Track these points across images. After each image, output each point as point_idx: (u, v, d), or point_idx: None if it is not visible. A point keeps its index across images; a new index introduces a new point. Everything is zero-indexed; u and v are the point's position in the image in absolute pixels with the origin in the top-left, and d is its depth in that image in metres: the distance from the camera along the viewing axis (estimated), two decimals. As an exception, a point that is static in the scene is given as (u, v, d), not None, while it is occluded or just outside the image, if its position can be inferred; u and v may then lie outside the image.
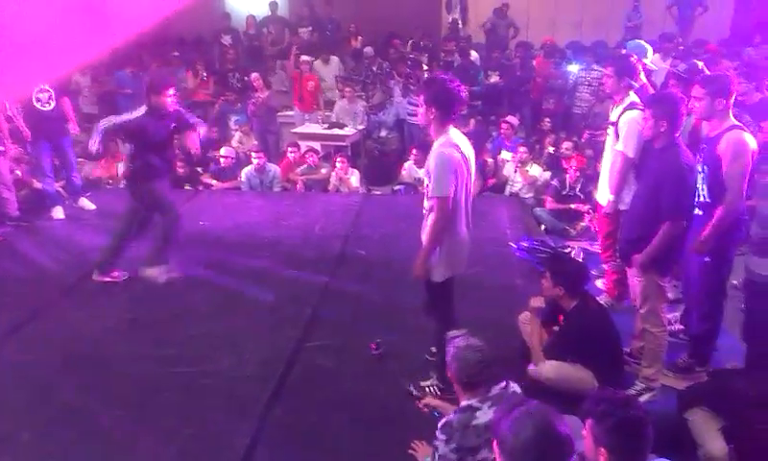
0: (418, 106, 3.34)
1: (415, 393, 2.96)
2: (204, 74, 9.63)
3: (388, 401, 3.49)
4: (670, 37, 8.72)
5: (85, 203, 6.52)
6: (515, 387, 2.70)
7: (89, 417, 3.37)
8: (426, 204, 3.27)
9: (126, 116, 4.56)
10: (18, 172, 6.73)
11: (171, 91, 4.53)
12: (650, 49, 5.04)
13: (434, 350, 3.60)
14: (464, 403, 2.64)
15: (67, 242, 5.69)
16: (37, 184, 6.59)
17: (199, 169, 7.91)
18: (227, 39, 10.99)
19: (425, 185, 3.29)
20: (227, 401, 3.50)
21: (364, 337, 4.10)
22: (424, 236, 3.29)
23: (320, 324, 4.33)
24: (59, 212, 6.26)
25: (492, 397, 2.61)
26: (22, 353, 3.98)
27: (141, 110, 4.51)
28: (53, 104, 6.06)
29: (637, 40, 5.61)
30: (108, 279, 4.86)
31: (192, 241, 5.73)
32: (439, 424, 2.65)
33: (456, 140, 3.19)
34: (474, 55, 9.65)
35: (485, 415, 2.53)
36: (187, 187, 7.57)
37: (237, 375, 3.71)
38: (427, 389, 3.50)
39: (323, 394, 3.58)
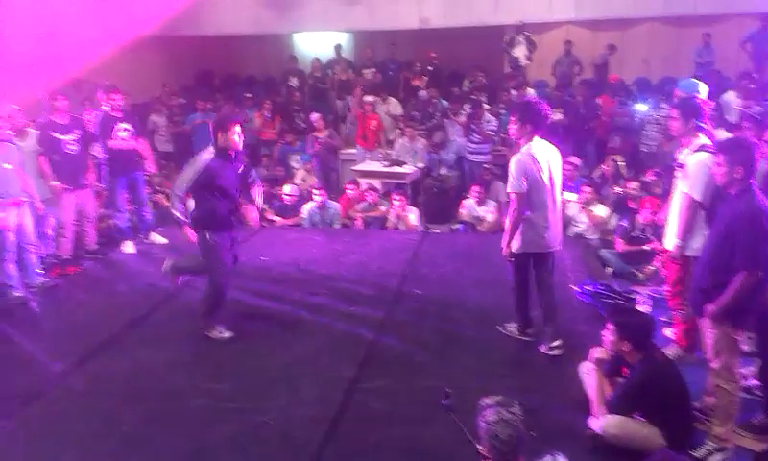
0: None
1: (481, 449, 2.78)
2: (268, 114, 9.99)
3: (445, 450, 3.38)
4: (748, 75, 8.40)
5: (157, 237, 6.82)
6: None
7: (149, 450, 3.47)
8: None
9: (193, 169, 4.32)
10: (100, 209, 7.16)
11: (238, 128, 4.32)
12: (704, 86, 4.87)
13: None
14: None
15: (138, 276, 5.96)
16: (109, 219, 6.96)
17: (264, 206, 8.15)
18: (293, 81, 11.39)
19: None
20: (280, 440, 3.52)
21: (420, 380, 4.07)
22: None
23: (375, 364, 4.32)
24: (129, 247, 6.59)
25: None
26: (90, 383, 4.16)
27: (209, 152, 4.33)
28: (131, 142, 6.44)
29: (691, 79, 5.42)
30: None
31: (253, 276, 5.90)
32: None
33: (534, 150, 4.12)
34: (531, 92, 9.55)
35: None
36: (251, 223, 7.81)
37: (291, 414, 3.73)
38: None
39: (376, 438, 3.53)
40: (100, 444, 3.52)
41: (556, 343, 4.28)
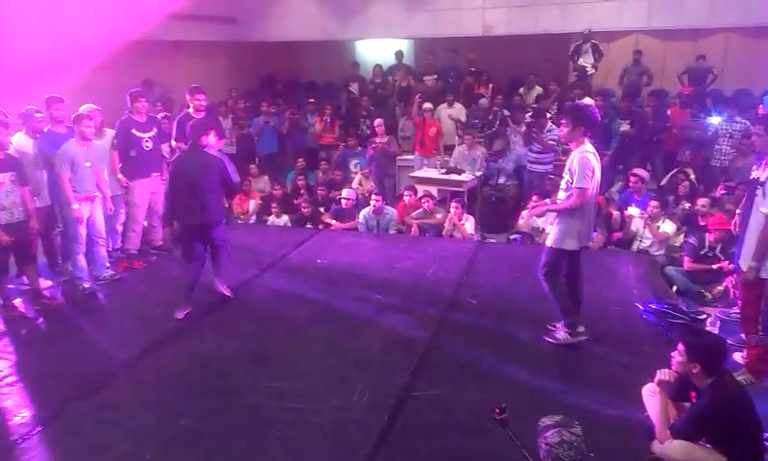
0: (559, 127, 4.74)
1: None
2: (329, 119, 10.13)
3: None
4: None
5: None
6: None
7: (206, 444, 3.55)
8: (562, 195, 4.39)
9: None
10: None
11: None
12: None
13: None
14: None
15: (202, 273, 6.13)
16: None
17: (321, 209, 8.27)
18: (354, 87, 11.50)
19: (566, 181, 4.35)
20: (332, 442, 3.54)
21: (474, 390, 4.01)
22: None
23: (428, 372, 4.28)
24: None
25: None
26: (152, 375, 4.31)
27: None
28: None
29: None
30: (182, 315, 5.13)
31: (309, 278, 5.98)
32: None
33: (591, 149, 4.27)
34: (588, 100, 9.27)
35: None
36: (309, 226, 7.93)
37: (345, 417, 3.75)
38: None
39: (428, 447, 3.49)
40: (158, 434, 3.62)
41: (582, 329, 4.53)
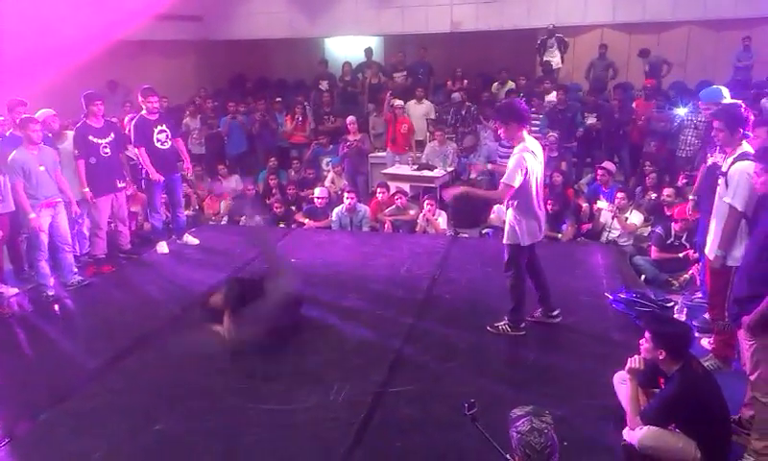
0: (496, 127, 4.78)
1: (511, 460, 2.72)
2: (300, 117, 10.08)
3: (475, 456, 3.35)
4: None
5: (189, 239, 6.93)
6: None
7: (182, 448, 3.52)
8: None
9: None
10: (135, 208, 7.30)
11: None
12: (726, 90, 4.87)
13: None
14: None
15: (171, 275, 6.06)
16: (145, 220, 7.11)
17: (293, 208, 8.23)
18: (324, 85, 11.45)
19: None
20: (310, 442, 3.54)
21: (449, 384, 4.06)
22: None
23: (404, 367, 4.31)
24: (163, 247, 6.69)
25: None
26: (124, 381, 4.24)
27: None
28: (169, 143, 6.55)
29: (713, 86, 5.36)
30: None
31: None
32: None
33: (530, 145, 4.37)
34: (552, 96, 9.36)
35: None
36: (282, 225, 7.88)
37: (322, 416, 3.75)
38: None
39: (405, 442, 3.52)
40: (133, 441, 3.58)
41: (557, 312, 4.77)
